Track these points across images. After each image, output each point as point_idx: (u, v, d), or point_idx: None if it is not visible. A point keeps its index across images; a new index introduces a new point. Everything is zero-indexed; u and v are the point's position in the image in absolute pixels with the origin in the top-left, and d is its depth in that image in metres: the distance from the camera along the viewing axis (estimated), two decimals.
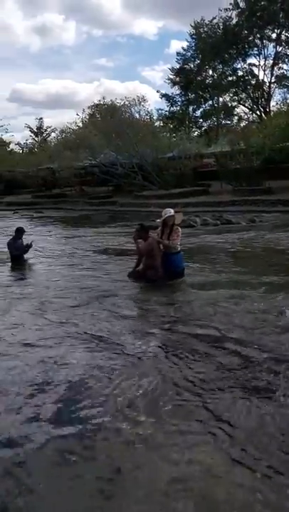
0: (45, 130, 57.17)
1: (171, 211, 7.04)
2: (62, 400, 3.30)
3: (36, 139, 57.27)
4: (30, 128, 57.16)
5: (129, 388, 3.42)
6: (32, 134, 57.24)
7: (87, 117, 41.88)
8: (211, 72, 46.38)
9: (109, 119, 34.49)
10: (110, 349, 4.27)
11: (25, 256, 9.60)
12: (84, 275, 8.00)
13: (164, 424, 2.91)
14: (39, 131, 57.67)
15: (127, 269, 7.77)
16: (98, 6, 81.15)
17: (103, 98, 43.12)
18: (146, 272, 7.03)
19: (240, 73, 44.23)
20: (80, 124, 37.19)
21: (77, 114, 50.02)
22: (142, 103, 32.98)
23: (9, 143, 55.39)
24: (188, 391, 3.35)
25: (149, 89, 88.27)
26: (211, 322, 4.91)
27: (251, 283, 6.82)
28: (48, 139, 54.50)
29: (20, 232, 9.56)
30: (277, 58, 41.91)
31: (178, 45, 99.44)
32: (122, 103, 33.72)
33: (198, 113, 49.96)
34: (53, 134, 51.78)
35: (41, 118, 61.47)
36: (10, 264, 9.31)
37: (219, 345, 4.25)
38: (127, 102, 33.04)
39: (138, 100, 32.74)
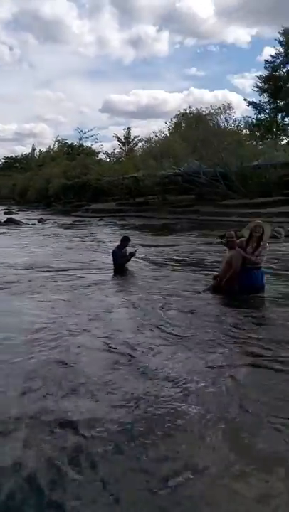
0: (132, 140, 58.68)
1: (259, 221, 6.85)
2: None
3: (123, 148, 58.97)
4: (118, 138, 59.04)
5: None
6: (119, 144, 59.07)
7: (173, 126, 42.35)
8: None
9: (194, 127, 34.56)
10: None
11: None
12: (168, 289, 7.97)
13: None
14: (126, 140, 59.30)
15: (201, 280, 7.67)
16: (192, 15, 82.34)
17: (189, 107, 43.22)
18: (225, 285, 6.87)
19: None
20: (166, 133, 37.73)
21: (166, 123, 50.74)
22: (228, 111, 32.61)
23: (98, 152, 57.81)
24: None
25: (238, 97, 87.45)
26: None
27: None
28: (135, 148, 55.85)
29: (126, 240, 9.62)
30: None
31: (271, 52, 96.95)
32: (207, 111, 33.68)
33: (287, 120, 48.23)
34: (139, 144, 52.97)
35: (129, 128, 63.23)
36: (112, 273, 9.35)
37: None
38: (212, 111, 32.91)
39: (224, 108, 32.44)
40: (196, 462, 2.69)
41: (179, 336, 5.07)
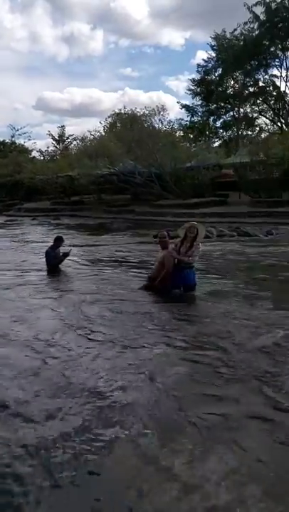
0: (67, 138, 57.77)
1: (195, 223, 7.02)
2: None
3: (58, 146, 57.86)
4: (52, 136, 57.85)
5: None
6: (54, 142, 57.89)
7: (108, 126, 42.29)
8: (232, 82, 46.35)
9: (129, 127, 34.73)
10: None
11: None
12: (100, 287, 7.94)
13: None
14: (61, 138, 58.25)
15: (135, 279, 7.72)
16: (126, 15, 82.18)
17: (124, 107, 43.38)
18: (158, 284, 6.97)
19: (261, 84, 44.08)
20: (101, 133, 37.63)
21: (101, 123, 50.66)
22: (162, 112, 33.11)
23: (31, 150, 56.23)
24: None
25: (172, 99, 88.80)
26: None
27: (261, 296, 6.78)
28: (70, 146, 55.02)
29: (59, 240, 9.46)
30: None
31: (204, 56, 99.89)
32: (142, 112, 34.00)
33: (218, 123, 50.01)
34: (74, 142, 52.26)
35: (63, 126, 62.25)
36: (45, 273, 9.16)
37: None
38: (146, 112, 33.27)
39: (158, 110, 32.90)
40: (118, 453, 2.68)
41: (106, 334, 5.05)
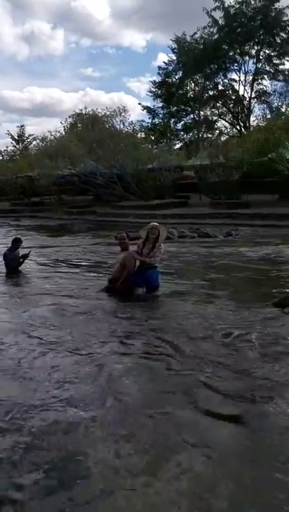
0: (27, 138, 56.78)
1: (157, 224, 7.02)
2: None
3: (17, 146, 56.77)
4: (11, 135, 56.69)
5: None
6: (13, 142, 56.74)
7: (69, 126, 41.85)
8: (192, 85, 47.02)
9: (90, 128, 34.51)
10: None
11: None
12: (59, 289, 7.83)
13: None
14: (20, 138, 57.21)
15: (96, 280, 7.66)
16: (87, 15, 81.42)
17: (85, 108, 43.08)
18: (120, 285, 6.94)
19: (220, 88, 44.97)
20: (62, 133, 37.21)
21: (61, 123, 50.07)
22: (123, 114, 33.10)
23: None
24: None
25: (134, 101, 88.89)
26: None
27: (219, 295, 6.92)
28: (30, 146, 54.07)
29: (17, 242, 9.24)
30: (257, 74, 42.72)
31: (165, 58, 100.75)
32: (103, 113, 33.87)
33: (179, 126, 50.55)
34: (34, 142, 51.38)
35: (23, 125, 61.05)
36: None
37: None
38: (108, 113, 33.16)
39: (119, 111, 32.86)
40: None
41: (58, 338, 4.99)
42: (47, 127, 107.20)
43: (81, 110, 42.52)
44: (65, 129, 40.33)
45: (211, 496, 2.35)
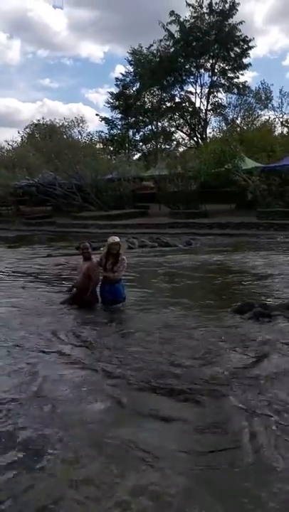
0: None
1: (116, 238, 6.93)
2: None
3: None
4: None
5: None
6: None
7: (26, 136, 41.30)
8: (149, 97, 47.61)
9: (48, 139, 34.21)
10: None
11: None
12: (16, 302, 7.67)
13: None
14: None
15: (57, 292, 7.56)
16: (44, 26, 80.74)
17: (43, 118, 42.69)
18: (83, 296, 6.84)
19: (177, 100, 45.80)
20: (19, 143, 36.68)
21: (19, 133, 49.16)
22: (81, 124, 33.07)
23: None
24: None
25: (92, 111, 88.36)
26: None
27: (181, 303, 6.98)
28: None
29: None
30: (213, 87, 43.82)
31: (122, 70, 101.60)
32: (61, 123, 33.71)
33: (137, 137, 50.92)
34: None
35: None
36: None
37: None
38: (66, 123, 33.04)
39: (77, 121, 32.81)
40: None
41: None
42: (4, 137, 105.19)
43: (39, 120, 42.26)
44: (22, 139, 39.81)
45: None
